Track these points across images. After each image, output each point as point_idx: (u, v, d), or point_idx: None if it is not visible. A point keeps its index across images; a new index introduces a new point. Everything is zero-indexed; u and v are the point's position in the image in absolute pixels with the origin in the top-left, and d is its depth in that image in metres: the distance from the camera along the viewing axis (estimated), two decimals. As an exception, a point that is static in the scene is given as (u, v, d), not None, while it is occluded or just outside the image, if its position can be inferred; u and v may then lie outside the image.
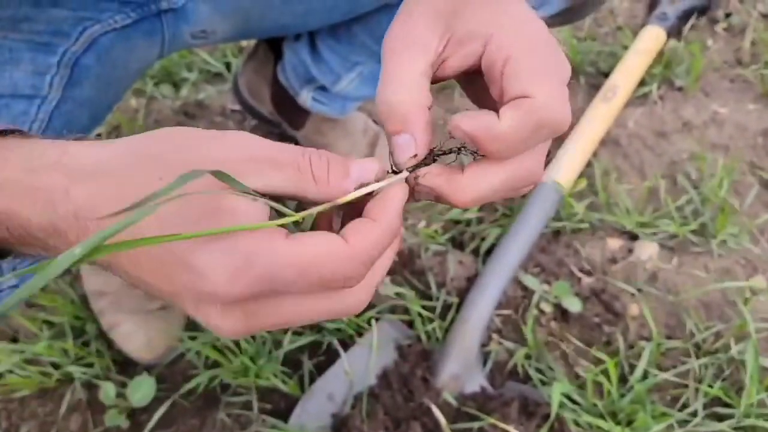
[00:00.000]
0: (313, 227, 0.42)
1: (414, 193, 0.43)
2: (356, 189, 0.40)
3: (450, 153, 0.44)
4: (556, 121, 0.40)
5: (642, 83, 1.40)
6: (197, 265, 0.36)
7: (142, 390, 1.05)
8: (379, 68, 1.08)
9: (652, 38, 1.39)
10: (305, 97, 1.17)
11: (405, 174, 0.43)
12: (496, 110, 0.41)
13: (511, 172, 0.41)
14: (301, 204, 0.42)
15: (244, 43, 1.66)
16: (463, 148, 0.44)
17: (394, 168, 0.43)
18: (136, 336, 1.08)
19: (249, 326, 0.38)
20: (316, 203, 0.40)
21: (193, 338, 1.07)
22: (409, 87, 0.42)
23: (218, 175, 0.36)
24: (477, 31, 0.43)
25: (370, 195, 0.41)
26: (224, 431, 1.01)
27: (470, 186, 0.41)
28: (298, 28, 1.04)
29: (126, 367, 1.09)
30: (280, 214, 0.40)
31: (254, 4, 0.85)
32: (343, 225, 0.40)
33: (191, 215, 0.36)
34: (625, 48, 1.44)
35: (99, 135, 1.42)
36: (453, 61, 0.44)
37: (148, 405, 1.03)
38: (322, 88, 1.15)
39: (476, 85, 0.46)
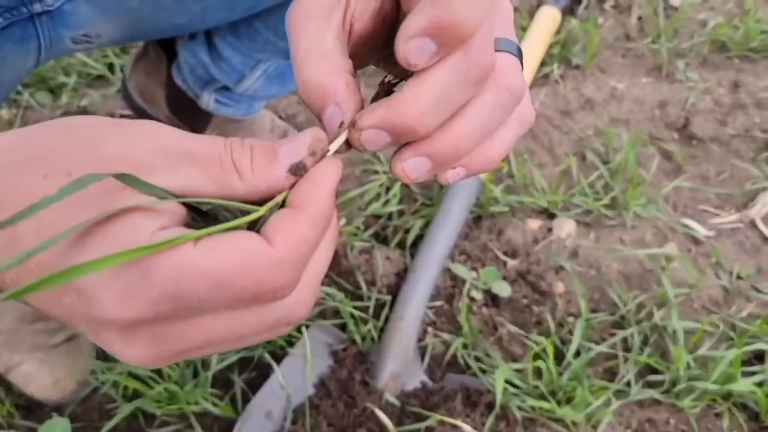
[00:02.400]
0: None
1: (364, 144, 0.35)
2: (290, 173, 0.33)
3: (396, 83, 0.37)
4: (455, 24, 0.32)
5: (542, 64, 1.42)
6: (82, 285, 0.29)
7: (54, 434, 0.94)
8: (286, 64, 1.00)
9: (548, 19, 1.41)
10: (207, 100, 1.09)
11: (339, 142, 0.35)
12: None
13: (454, 60, 0.33)
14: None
15: (126, 41, 1.54)
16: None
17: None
18: (40, 375, 0.97)
19: (160, 353, 0.31)
20: (239, 198, 0.32)
21: (109, 369, 0.98)
22: (320, 57, 0.35)
23: (120, 177, 0.29)
24: None
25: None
26: (155, 467, 0.93)
27: (414, 95, 0.33)
28: (194, 27, 0.96)
29: (31, 410, 0.98)
30: (195, 217, 0.33)
31: (143, 4, 0.76)
32: None
33: (72, 220, 0.29)
34: (523, 29, 1.46)
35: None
36: (364, 8, 0.38)
37: (63, 450, 0.93)
38: (225, 89, 1.08)
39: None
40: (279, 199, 0.33)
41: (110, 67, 1.47)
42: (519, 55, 0.39)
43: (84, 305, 0.30)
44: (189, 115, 1.16)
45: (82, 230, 0.29)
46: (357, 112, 0.35)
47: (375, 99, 0.37)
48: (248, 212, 0.33)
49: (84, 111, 1.38)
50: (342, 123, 0.34)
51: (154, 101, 1.19)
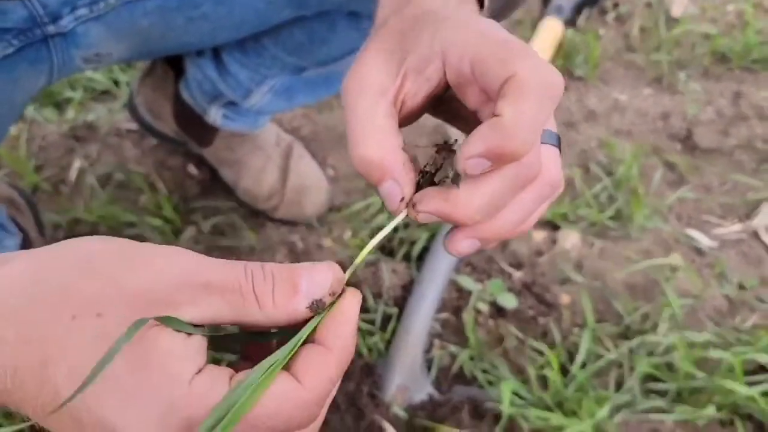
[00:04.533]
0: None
1: (419, 220, 0.40)
2: (308, 307, 0.34)
3: (440, 169, 0.41)
4: (552, 84, 0.36)
5: (545, 75, 1.43)
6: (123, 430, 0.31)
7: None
8: (293, 79, 1.03)
9: (551, 30, 1.43)
10: (214, 115, 1.11)
11: (398, 220, 0.41)
12: (475, 120, 0.39)
13: (507, 169, 0.37)
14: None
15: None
16: (447, 157, 0.41)
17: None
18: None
19: None
20: (260, 328, 0.35)
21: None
22: (375, 135, 0.39)
23: (162, 320, 0.31)
24: (430, 53, 0.41)
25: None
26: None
27: (470, 197, 0.37)
28: (203, 46, 0.98)
29: None
30: (217, 345, 0.35)
31: (154, 25, 0.77)
32: None
33: (115, 370, 0.30)
34: (526, 41, 1.47)
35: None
36: (417, 90, 0.41)
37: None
38: (232, 104, 1.09)
39: (447, 104, 0.43)
40: (303, 335, 0.35)
41: (116, 82, 1.48)
42: (558, 143, 0.44)
43: None
44: (195, 130, 1.17)
45: (120, 380, 0.31)
46: (412, 187, 0.39)
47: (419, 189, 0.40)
48: (261, 337, 0.38)
49: (90, 126, 1.39)
50: (402, 199, 0.39)
51: (160, 116, 1.20)
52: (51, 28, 0.69)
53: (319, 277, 0.35)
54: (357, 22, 0.86)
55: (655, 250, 1.16)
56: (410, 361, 1.01)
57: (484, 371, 1.02)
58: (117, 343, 0.30)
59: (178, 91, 1.14)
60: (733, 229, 1.20)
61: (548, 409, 0.97)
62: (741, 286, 1.11)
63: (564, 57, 1.47)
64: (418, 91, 0.41)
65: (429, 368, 1.03)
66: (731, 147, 1.32)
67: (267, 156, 1.22)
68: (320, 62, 0.95)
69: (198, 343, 0.33)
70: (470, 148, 0.35)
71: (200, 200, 1.25)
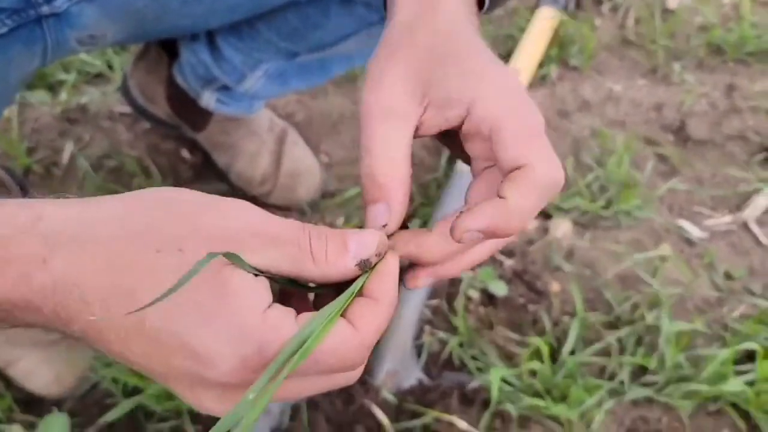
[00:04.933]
0: (284, 297, 0.42)
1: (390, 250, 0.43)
2: (356, 265, 0.39)
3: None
4: (557, 183, 0.40)
5: (540, 65, 1.43)
6: (204, 352, 0.34)
7: (54, 428, 0.95)
8: (287, 64, 1.03)
9: (547, 19, 1.42)
10: (208, 99, 1.10)
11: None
12: (466, 158, 0.45)
13: (495, 243, 0.43)
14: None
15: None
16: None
17: None
18: (40, 371, 0.98)
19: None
20: (311, 280, 0.38)
21: (107, 365, 0.99)
22: (391, 160, 0.42)
23: (230, 257, 0.34)
24: (458, 98, 0.43)
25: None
26: (154, 462, 0.94)
27: (441, 246, 0.41)
28: (197, 29, 0.97)
29: (31, 405, 0.99)
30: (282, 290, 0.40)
31: (148, 7, 0.77)
32: None
33: (195, 298, 0.34)
34: (522, 30, 1.47)
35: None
36: (432, 124, 0.44)
37: (63, 445, 0.94)
38: (226, 88, 1.09)
39: (451, 136, 0.46)
40: (357, 287, 0.39)
41: (109, 65, 1.48)
42: None
43: (197, 367, 0.34)
44: (189, 114, 1.16)
45: (200, 307, 0.34)
46: (400, 220, 0.43)
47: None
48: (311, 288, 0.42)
49: (83, 108, 1.38)
50: (385, 225, 0.42)
51: (154, 99, 1.20)
52: (45, 9, 0.68)
53: (366, 239, 0.39)
54: (350, 7, 0.86)
55: (645, 240, 1.17)
56: (400, 347, 1.02)
57: (474, 358, 1.03)
58: (195, 266, 0.33)
59: (171, 75, 1.13)
60: (723, 220, 1.21)
61: (537, 395, 0.98)
62: (729, 277, 1.12)
63: (559, 46, 1.47)
64: (434, 125, 0.44)
65: (419, 354, 1.04)
66: (723, 139, 1.33)
67: (261, 141, 1.21)
68: (313, 47, 0.94)
69: (265, 283, 0.36)
70: (471, 222, 0.39)
71: (193, 185, 1.25)
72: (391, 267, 0.40)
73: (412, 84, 0.43)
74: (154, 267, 0.34)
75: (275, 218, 0.38)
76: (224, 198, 0.38)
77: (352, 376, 0.39)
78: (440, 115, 0.43)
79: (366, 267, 0.39)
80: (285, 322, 0.35)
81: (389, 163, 0.42)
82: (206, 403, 0.36)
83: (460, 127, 0.44)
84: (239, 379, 0.35)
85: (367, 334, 0.37)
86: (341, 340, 0.36)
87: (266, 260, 0.36)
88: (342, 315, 0.37)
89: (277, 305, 0.36)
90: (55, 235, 0.35)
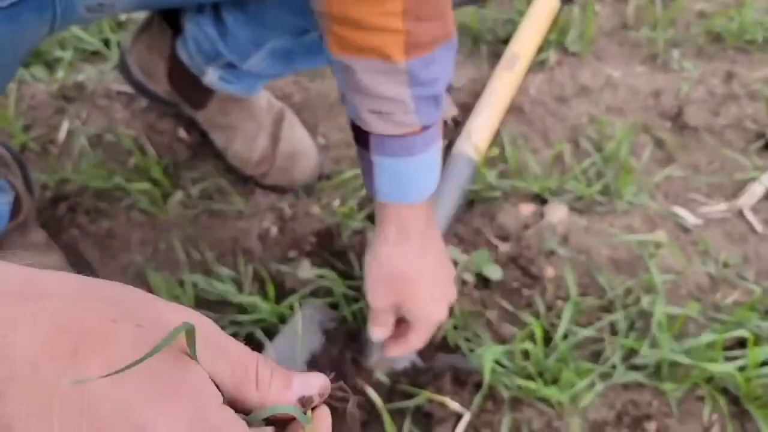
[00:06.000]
0: None
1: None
2: (298, 402, 0.38)
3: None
4: (437, 320, 0.93)
5: (539, 50, 1.43)
6: (149, 428, 0.30)
7: None
8: (293, 42, 1.04)
9: (547, 4, 1.42)
10: (211, 76, 1.10)
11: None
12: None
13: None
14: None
15: (123, 17, 1.53)
16: None
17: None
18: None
19: None
20: (248, 406, 0.37)
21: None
22: (387, 323, 0.92)
23: (190, 336, 0.33)
24: (410, 318, 0.91)
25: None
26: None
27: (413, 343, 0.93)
28: (205, -1, 0.96)
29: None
30: None
31: None
32: None
33: (154, 370, 0.31)
34: (521, 14, 1.46)
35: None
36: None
37: None
38: (230, 66, 1.08)
39: None
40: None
41: (106, 42, 1.47)
42: None
43: None
44: (189, 92, 1.16)
45: (159, 381, 0.31)
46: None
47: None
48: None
49: (80, 86, 1.38)
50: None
51: (153, 75, 1.19)
52: None
53: (312, 381, 0.39)
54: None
55: (640, 226, 1.17)
56: (394, 328, 1.02)
57: (468, 340, 1.04)
58: (162, 342, 0.31)
59: (174, 51, 1.13)
60: (718, 208, 1.21)
61: (529, 378, 0.99)
62: (724, 264, 1.13)
63: (559, 32, 1.46)
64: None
65: (413, 336, 1.05)
66: (721, 126, 1.32)
67: (259, 122, 1.21)
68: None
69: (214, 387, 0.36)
70: (395, 351, 0.94)
71: (190, 165, 1.25)
72: (323, 420, 0.40)
73: (390, 304, 0.90)
74: (105, 333, 0.31)
75: (230, 337, 0.37)
76: (185, 308, 0.37)
77: None
78: (403, 313, 0.91)
79: (306, 406, 0.38)
80: (239, 422, 0.34)
81: (386, 322, 0.92)
82: None
83: None
84: None
85: None
86: None
87: (213, 370, 0.35)
88: None
89: (229, 408, 0.35)
90: None
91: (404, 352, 0.93)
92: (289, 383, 0.38)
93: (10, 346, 0.29)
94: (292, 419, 0.38)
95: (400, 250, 0.85)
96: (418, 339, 0.91)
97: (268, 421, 0.39)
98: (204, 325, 0.36)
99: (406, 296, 0.87)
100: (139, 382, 0.31)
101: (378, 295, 0.88)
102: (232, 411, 0.34)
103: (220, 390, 0.35)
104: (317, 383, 0.39)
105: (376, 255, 0.86)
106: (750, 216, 1.20)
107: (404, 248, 0.85)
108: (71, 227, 1.16)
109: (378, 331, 0.91)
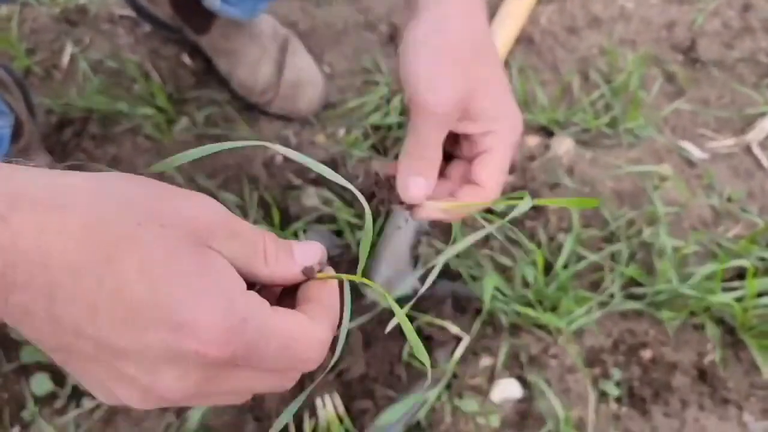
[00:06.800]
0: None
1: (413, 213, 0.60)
2: (301, 271, 0.42)
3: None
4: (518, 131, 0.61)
5: (551, -22, 1.39)
6: (189, 322, 0.33)
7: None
8: None
9: (561, -69, 1.37)
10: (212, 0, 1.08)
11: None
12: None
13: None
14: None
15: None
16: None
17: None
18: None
19: (199, 393, 0.36)
20: (259, 280, 0.40)
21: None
22: (436, 153, 0.57)
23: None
24: (483, 124, 0.57)
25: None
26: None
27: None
28: None
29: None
30: None
31: None
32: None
33: (182, 271, 0.34)
34: (534, -59, 1.41)
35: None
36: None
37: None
38: (229, -13, 1.06)
39: None
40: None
41: (109, -35, 1.44)
42: None
43: (175, 338, 0.33)
44: (192, 15, 1.14)
45: (188, 279, 0.34)
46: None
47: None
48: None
49: (82, 10, 1.35)
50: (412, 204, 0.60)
51: (156, 0, 1.17)
52: None
53: (310, 250, 0.42)
54: None
55: (646, 159, 1.17)
56: (397, 256, 1.03)
57: (469, 268, 1.05)
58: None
59: (174, -26, 1.10)
60: (726, 143, 1.20)
61: (528, 306, 1.00)
62: (728, 198, 1.13)
63: (572, -40, 1.42)
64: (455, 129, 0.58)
65: (415, 264, 1.06)
66: (734, 60, 1.30)
67: (263, 48, 1.19)
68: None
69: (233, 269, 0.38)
70: (458, 207, 0.58)
71: (194, 91, 1.24)
72: (333, 283, 0.43)
73: (460, 99, 0.55)
74: (134, 236, 0.33)
75: (239, 219, 0.40)
76: (196, 194, 0.39)
77: (294, 381, 0.41)
78: (461, 127, 0.58)
79: (309, 274, 0.42)
80: (264, 305, 0.37)
81: (436, 154, 0.57)
82: (166, 381, 0.35)
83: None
84: (217, 352, 0.34)
85: (329, 334, 0.40)
86: (309, 333, 0.38)
87: (228, 252, 0.37)
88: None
89: (253, 292, 0.38)
90: (18, 194, 0.32)
91: (468, 210, 0.59)
92: (292, 254, 0.41)
93: (46, 255, 0.31)
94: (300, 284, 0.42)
95: (465, 9, 0.56)
96: (496, 170, 0.57)
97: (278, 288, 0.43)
98: (218, 212, 0.38)
99: (484, 84, 0.55)
100: (173, 283, 0.33)
101: (442, 85, 0.54)
102: (255, 295, 0.37)
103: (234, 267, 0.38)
104: (316, 253, 0.42)
105: (435, 21, 0.55)
106: (758, 151, 1.19)
107: (470, 8, 0.57)
108: (77, 151, 1.16)
109: (425, 170, 0.56)
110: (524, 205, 0.47)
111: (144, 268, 0.32)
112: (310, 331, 0.38)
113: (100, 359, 0.34)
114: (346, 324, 0.44)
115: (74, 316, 0.32)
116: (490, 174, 0.57)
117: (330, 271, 0.44)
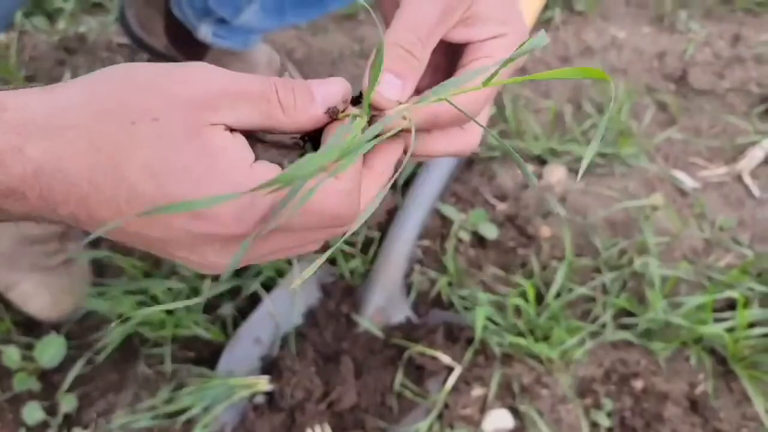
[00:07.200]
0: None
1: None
2: (325, 112, 0.40)
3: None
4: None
5: (545, 7, 1.41)
6: (202, 210, 0.35)
7: (51, 350, 0.98)
8: None
9: (553, -38, 1.39)
10: (204, 32, 1.09)
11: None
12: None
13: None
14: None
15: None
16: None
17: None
18: (39, 295, 1.01)
19: (246, 258, 0.39)
20: (283, 130, 0.40)
21: (101, 294, 1.01)
22: (421, 39, 0.43)
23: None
24: (492, 23, 0.46)
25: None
26: (148, 384, 0.98)
27: (450, 110, 0.44)
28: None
29: (30, 327, 1.02)
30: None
31: None
32: None
33: (183, 163, 0.35)
34: (528, -28, 1.43)
35: (-33, 75, 1.27)
36: (452, 32, 0.45)
37: (60, 365, 0.97)
38: (222, 21, 1.07)
39: None
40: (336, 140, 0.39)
41: (108, -7, 1.46)
42: None
43: (198, 224, 0.36)
44: (186, 46, 1.15)
45: (190, 171, 0.35)
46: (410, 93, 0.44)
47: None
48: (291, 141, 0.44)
49: (81, 38, 1.37)
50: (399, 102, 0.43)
51: (152, 31, 1.19)
52: None
53: (332, 89, 0.40)
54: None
55: (638, 188, 1.18)
56: (390, 284, 1.04)
57: (462, 297, 1.05)
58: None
59: (169, 6, 1.12)
60: (717, 171, 1.21)
61: (520, 335, 1.01)
62: (719, 227, 1.13)
63: (565, -10, 1.44)
64: (453, 37, 0.47)
65: (408, 292, 1.06)
66: (724, 90, 1.31)
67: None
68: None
69: (243, 140, 0.38)
70: (444, 143, 0.48)
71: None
72: (393, 148, 0.43)
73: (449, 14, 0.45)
74: (132, 139, 0.35)
75: (240, 75, 0.38)
76: (185, 63, 0.38)
77: (343, 231, 0.41)
78: (461, 33, 0.46)
79: (334, 114, 0.40)
80: (271, 174, 0.37)
81: (423, 55, 0.43)
82: (210, 257, 0.38)
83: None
84: (238, 230, 0.37)
85: (364, 199, 0.40)
86: (345, 199, 0.38)
87: (240, 116, 0.37)
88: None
89: (263, 161, 0.38)
90: (25, 124, 0.35)
91: (461, 147, 0.49)
92: (312, 97, 0.40)
93: (67, 174, 0.35)
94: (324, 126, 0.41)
95: None
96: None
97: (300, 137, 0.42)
98: (217, 80, 0.38)
99: (505, 31, 0.47)
100: (176, 178, 0.35)
101: None
102: (263, 166, 0.37)
103: (251, 131, 0.39)
104: (339, 90, 0.40)
105: None
106: (748, 180, 1.20)
107: None
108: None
109: (406, 72, 0.43)
110: (540, 40, 0.40)
111: (146, 168, 0.35)
112: (334, 188, 0.37)
113: (154, 246, 0.38)
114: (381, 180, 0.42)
115: (112, 219, 0.36)
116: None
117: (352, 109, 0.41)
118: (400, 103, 0.42)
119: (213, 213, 0.36)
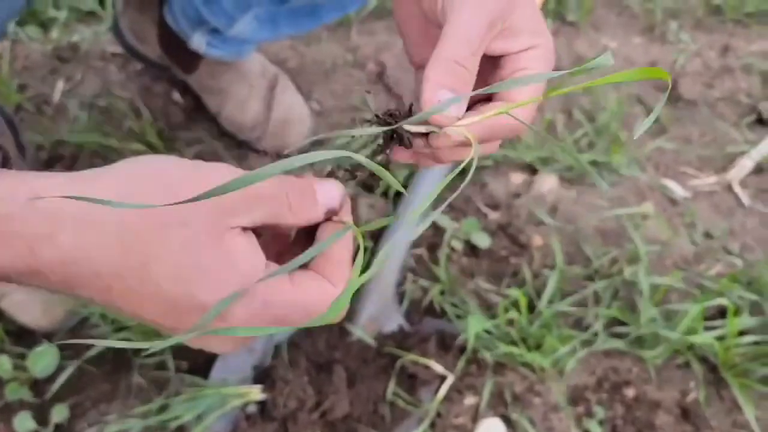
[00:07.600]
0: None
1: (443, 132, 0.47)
2: (324, 215, 0.44)
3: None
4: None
5: (536, 18, 1.42)
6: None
7: (43, 360, 0.98)
8: (278, 7, 1.04)
9: (545, -27, 1.41)
10: (198, 42, 1.10)
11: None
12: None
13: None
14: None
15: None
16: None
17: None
18: (30, 304, 1.01)
19: (239, 345, 0.43)
20: (286, 226, 0.43)
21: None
22: (473, 54, 0.45)
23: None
24: (527, 35, 0.47)
25: None
26: (141, 394, 0.97)
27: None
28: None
29: (22, 336, 1.01)
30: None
31: None
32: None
33: (203, 265, 0.38)
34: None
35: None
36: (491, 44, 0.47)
37: (52, 375, 0.97)
38: (216, 31, 1.08)
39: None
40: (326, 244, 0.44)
41: (101, 2, 1.46)
42: None
43: (213, 323, 0.39)
44: (180, 56, 1.16)
45: (209, 272, 0.39)
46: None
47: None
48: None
49: (74, 47, 1.37)
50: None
51: (146, 40, 1.19)
52: None
53: (332, 192, 0.45)
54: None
55: (629, 197, 1.19)
56: (382, 293, 1.04)
57: (454, 306, 1.06)
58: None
59: (162, 15, 1.13)
60: (707, 180, 1.22)
61: (513, 344, 1.01)
62: (709, 236, 1.14)
63: (557, 1, 1.46)
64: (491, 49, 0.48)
65: (401, 301, 1.07)
66: (714, 99, 1.33)
67: (251, 86, 1.21)
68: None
69: (255, 240, 0.42)
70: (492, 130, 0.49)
71: (184, 128, 1.26)
72: (345, 252, 0.45)
73: (493, 27, 0.46)
74: (162, 241, 0.38)
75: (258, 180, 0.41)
76: (208, 164, 0.41)
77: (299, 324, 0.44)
78: (500, 46, 0.47)
79: (331, 215, 0.45)
80: (283, 281, 0.41)
81: (473, 66, 0.45)
82: (215, 347, 0.43)
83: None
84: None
85: (340, 290, 0.43)
86: (326, 295, 0.42)
87: (253, 218, 0.41)
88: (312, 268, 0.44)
89: (272, 263, 0.42)
90: (56, 212, 0.37)
91: (507, 131, 0.49)
92: (315, 200, 0.44)
93: (95, 266, 0.38)
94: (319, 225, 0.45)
95: None
96: (536, 87, 0.47)
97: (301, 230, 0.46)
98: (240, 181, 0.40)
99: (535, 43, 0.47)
100: (197, 278, 0.38)
101: None
102: (273, 267, 0.41)
103: (260, 229, 0.42)
104: (337, 194, 0.45)
105: None
106: (738, 189, 1.21)
107: None
108: (66, 188, 1.17)
109: (459, 84, 0.45)
110: (605, 59, 0.39)
111: (174, 270, 0.38)
112: (329, 294, 0.42)
113: (162, 329, 0.41)
114: (356, 277, 0.44)
115: (130, 307, 0.40)
116: (531, 92, 0.46)
117: (346, 214, 0.45)
118: (459, 119, 0.45)
119: (226, 316, 0.39)
